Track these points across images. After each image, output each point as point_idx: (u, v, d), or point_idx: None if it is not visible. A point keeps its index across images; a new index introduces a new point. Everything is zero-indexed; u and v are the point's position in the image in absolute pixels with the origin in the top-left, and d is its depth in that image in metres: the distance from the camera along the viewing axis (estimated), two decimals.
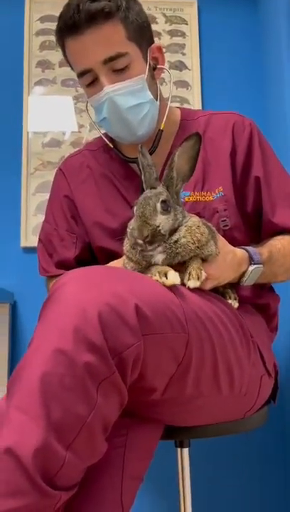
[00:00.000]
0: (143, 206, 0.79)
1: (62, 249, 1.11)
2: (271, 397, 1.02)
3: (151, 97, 0.99)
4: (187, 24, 1.79)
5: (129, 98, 0.97)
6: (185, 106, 1.72)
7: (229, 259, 0.86)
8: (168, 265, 0.79)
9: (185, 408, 0.81)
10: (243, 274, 0.91)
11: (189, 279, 0.77)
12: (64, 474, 0.57)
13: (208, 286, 0.82)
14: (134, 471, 0.73)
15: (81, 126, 1.71)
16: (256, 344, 0.90)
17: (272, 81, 1.69)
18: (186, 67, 1.76)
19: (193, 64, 1.76)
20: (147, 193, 0.82)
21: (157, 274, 0.74)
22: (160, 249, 0.79)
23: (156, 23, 1.78)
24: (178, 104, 1.71)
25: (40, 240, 1.16)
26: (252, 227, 1.07)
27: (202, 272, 0.78)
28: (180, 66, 1.76)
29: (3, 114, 1.72)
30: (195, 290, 0.79)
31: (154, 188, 0.82)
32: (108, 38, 0.93)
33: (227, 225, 1.01)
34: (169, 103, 1.06)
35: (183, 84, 1.75)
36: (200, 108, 1.71)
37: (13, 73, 1.73)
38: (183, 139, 0.82)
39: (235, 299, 0.91)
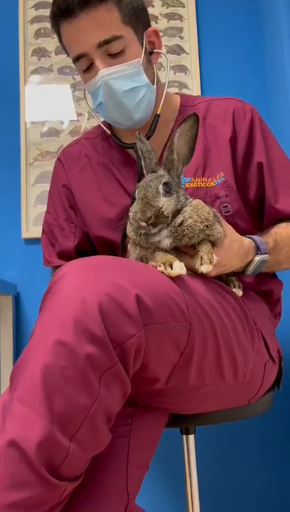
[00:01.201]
0: (145, 188, 0.77)
1: (63, 239, 1.12)
2: (276, 383, 1.02)
3: (147, 81, 0.98)
4: (184, 7, 1.75)
5: (125, 82, 0.96)
6: (184, 91, 1.69)
7: (236, 248, 0.85)
8: (175, 248, 0.78)
9: (189, 397, 0.81)
10: (248, 264, 0.90)
11: (201, 264, 0.75)
12: (68, 465, 0.58)
13: (213, 272, 0.81)
14: (140, 459, 0.74)
15: (79, 114, 1.70)
16: (260, 331, 0.90)
17: (272, 63, 1.66)
18: (184, 51, 1.73)
19: (191, 48, 1.72)
20: (148, 177, 0.81)
21: (162, 265, 0.73)
22: (166, 233, 0.77)
23: (153, 6, 1.74)
24: (176, 89, 1.69)
25: (43, 230, 1.17)
26: (255, 214, 1.06)
27: (214, 255, 0.76)
28: (178, 50, 1.73)
29: (0, 104, 1.70)
30: (197, 278, 0.78)
31: (155, 172, 0.81)
32: (102, 21, 0.92)
33: (228, 211, 1.00)
34: (166, 88, 1.05)
35: (182, 68, 1.72)
36: (199, 93, 1.69)
37: (9, 62, 1.71)
38: (181, 121, 0.81)
39: (239, 287, 0.90)
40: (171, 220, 0.77)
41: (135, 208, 0.79)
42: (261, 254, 0.89)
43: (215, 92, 1.66)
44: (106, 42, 0.93)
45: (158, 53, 1.05)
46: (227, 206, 1.00)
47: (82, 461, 0.61)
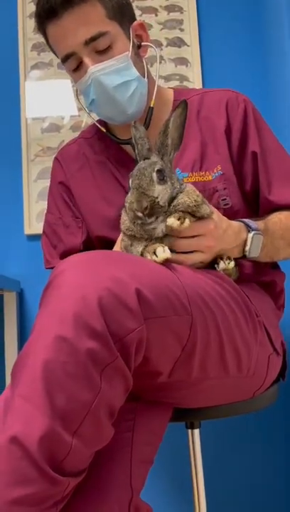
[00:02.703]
0: (139, 177, 0.77)
1: (69, 237, 1.11)
2: (280, 375, 1.02)
3: (138, 74, 0.98)
4: None
5: (115, 77, 0.95)
6: (185, 84, 1.68)
7: (226, 226, 0.84)
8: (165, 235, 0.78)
9: (193, 390, 0.80)
10: (245, 244, 0.89)
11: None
12: (71, 460, 0.57)
13: (204, 257, 0.81)
14: (144, 454, 0.73)
15: (80, 109, 1.69)
16: (263, 323, 0.89)
17: (273, 54, 1.65)
18: (185, 44, 1.71)
19: (192, 40, 1.71)
20: (141, 163, 0.80)
21: (148, 255, 0.74)
22: (161, 219, 0.78)
23: None
24: (177, 82, 1.69)
25: (44, 232, 1.16)
26: (251, 206, 1.05)
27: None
28: (178, 43, 1.71)
29: (0, 100, 1.69)
30: (197, 270, 0.78)
31: (148, 158, 0.81)
32: (87, 19, 0.92)
33: (227, 204, 1.00)
34: (157, 80, 1.05)
35: (182, 61, 1.70)
36: (201, 85, 1.68)
37: (9, 58, 1.71)
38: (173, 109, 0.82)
39: (229, 259, 0.86)
40: (167, 208, 0.78)
41: (130, 198, 0.78)
42: (252, 231, 0.89)
43: (216, 84, 1.65)
44: (93, 39, 0.93)
45: (146, 46, 1.05)
46: (225, 199, 1.00)
47: (85, 456, 0.61)
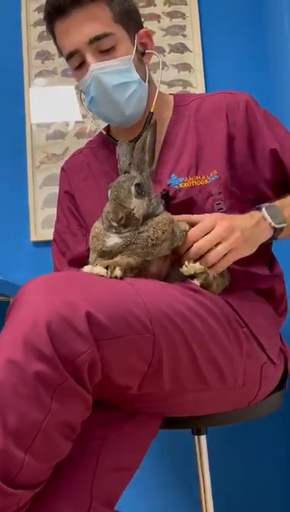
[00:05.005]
0: (118, 189, 0.80)
1: (75, 245, 1.13)
2: (282, 383, 1.00)
3: (138, 77, 1.00)
4: (186, 4, 1.73)
5: (115, 76, 0.97)
6: (188, 89, 1.68)
7: (231, 215, 0.87)
8: (119, 252, 0.79)
9: (176, 401, 0.80)
10: (265, 221, 0.90)
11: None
12: (24, 475, 0.60)
13: (240, 252, 0.84)
14: (118, 462, 0.74)
15: (84, 116, 1.70)
16: (251, 333, 0.87)
17: (277, 58, 1.64)
18: (188, 50, 1.71)
19: (195, 46, 1.71)
20: (121, 177, 0.83)
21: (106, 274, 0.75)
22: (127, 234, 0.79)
23: (155, 5, 1.74)
24: (180, 88, 1.69)
25: (54, 240, 1.19)
26: (274, 189, 1.04)
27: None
28: (181, 48, 1.72)
29: (5, 108, 1.72)
30: (169, 284, 0.79)
31: (128, 172, 0.84)
32: (94, 18, 0.95)
33: (221, 208, 1.00)
34: (158, 87, 1.06)
35: (185, 67, 1.71)
36: (204, 90, 1.68)
37: (13, 66, 1.73)
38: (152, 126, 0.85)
39: (194, 262, 0.84)
40: (141, 223, 0.80)
41: (108, 207, 0.81)
42: (262, 207, 0.91)
43: (219, 89, 1.63)
44: (97, 38, 0.95)
45: (150, 54, 1.06)
46: (219, 203, 1.00)
47: (40, 470, 0.63)
